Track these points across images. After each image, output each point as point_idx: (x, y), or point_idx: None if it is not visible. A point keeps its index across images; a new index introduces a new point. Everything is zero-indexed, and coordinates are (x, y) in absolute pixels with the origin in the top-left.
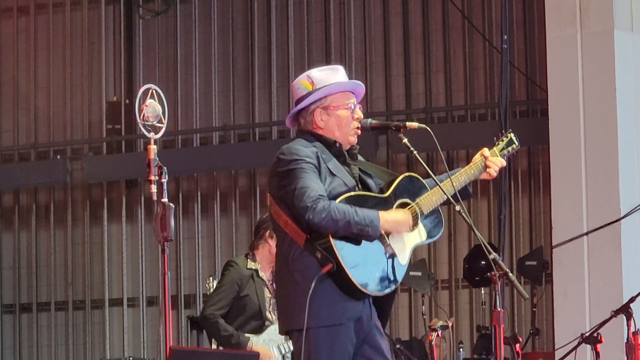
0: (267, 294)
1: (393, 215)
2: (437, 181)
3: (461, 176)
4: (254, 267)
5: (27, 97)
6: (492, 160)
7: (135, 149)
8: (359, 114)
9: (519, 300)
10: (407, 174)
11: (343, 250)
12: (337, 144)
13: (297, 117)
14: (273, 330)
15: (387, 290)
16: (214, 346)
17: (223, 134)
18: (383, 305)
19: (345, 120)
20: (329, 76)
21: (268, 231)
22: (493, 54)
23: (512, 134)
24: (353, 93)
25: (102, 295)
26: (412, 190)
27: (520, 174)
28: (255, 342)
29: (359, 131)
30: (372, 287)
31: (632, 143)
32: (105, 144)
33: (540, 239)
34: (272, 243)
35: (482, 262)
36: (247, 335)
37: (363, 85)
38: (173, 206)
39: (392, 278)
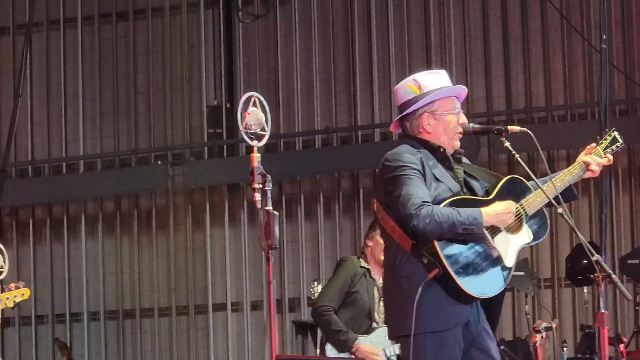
0: (377, 295)
1: (494, 207)
2: (539, 184)
3: (565, 177)
4: (366, 267)
5: (127, 102)
6: (592, 157)
7: (237, 153)
8: (463, 118)
9: (622, 298)
10: (510, 176)
11: (449, 255)
12: (442, 149)
13: (402, 120)
14: (380, 332)
15: (494, 293)
16: (330, 350)
17: (325, 137)
18: (492, 307)
19: (452, 125)
20: (435, 80)
21: (368, 232)
22: (592, 53)
23: (615, 132)
24: (456, 97)
25: (206, 301)
26: (516, 192)
27: (620, 172)
28: (363, 342)
29: (461, 135)
30: (479, 291)
31: None
32: (207, 148)
33: None
34: (370, 244)
35: (584, 262)
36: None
37: (466, 89)
38: (277, 214)
39: (498, 281)
